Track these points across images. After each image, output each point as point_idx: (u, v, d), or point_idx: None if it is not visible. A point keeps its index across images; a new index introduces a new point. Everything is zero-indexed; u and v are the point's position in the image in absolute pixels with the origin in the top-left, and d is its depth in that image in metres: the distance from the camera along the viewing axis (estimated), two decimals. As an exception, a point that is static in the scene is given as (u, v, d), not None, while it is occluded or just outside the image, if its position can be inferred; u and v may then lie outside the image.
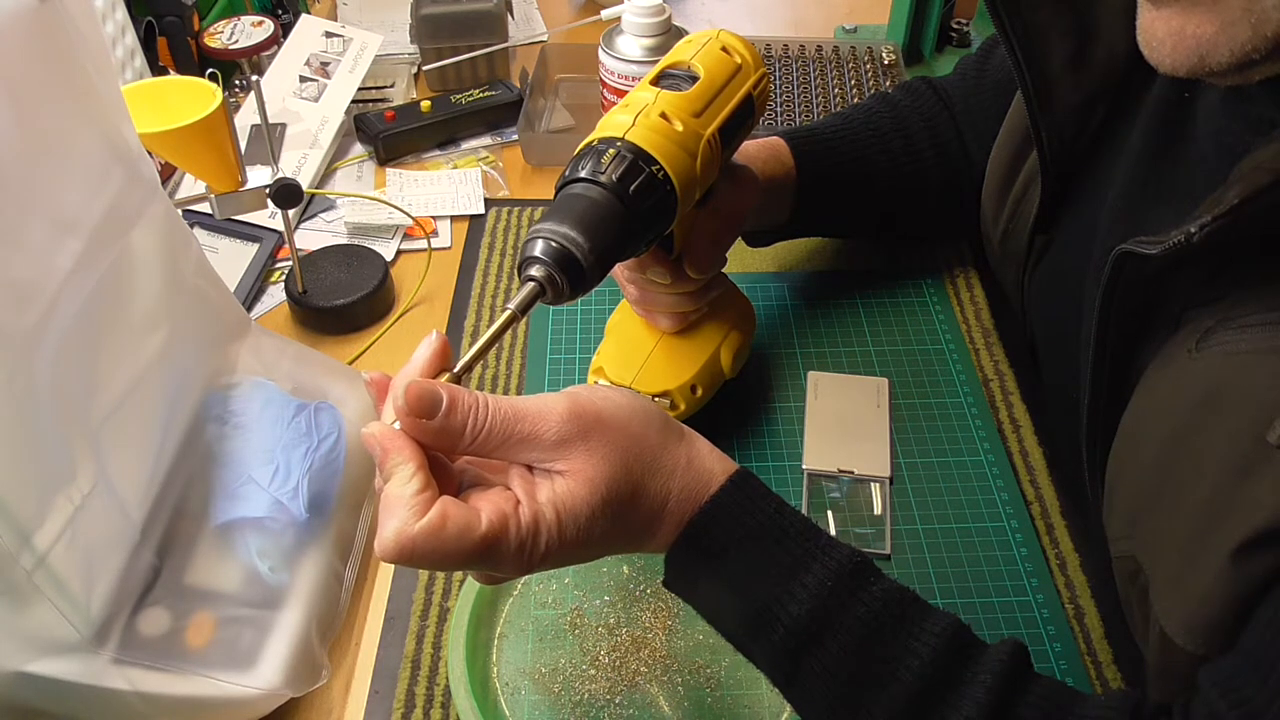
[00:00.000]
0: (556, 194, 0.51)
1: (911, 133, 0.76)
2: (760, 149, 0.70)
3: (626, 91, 0.57)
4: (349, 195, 0.91)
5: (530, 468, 0.42)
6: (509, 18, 1.06)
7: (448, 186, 0.92)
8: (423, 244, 0.86)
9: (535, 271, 0.47)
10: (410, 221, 0.87)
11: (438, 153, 0.98)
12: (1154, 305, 0.47)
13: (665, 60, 0.58)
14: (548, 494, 0.41)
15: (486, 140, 0.99)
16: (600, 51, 0.85)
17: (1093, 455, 0.52)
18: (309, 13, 1.10)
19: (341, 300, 0.77)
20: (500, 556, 0.40)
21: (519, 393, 0.72)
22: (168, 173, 0.91)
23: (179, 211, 0.61)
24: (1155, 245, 0.42)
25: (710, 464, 0.46)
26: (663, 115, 0.53)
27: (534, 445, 0.41)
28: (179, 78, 0.71)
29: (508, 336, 0.76)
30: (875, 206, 0.78)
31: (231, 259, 0.83)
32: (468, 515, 0.39)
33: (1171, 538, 0.43)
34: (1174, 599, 0.43)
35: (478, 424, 0.41)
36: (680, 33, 0.83)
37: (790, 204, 0.73)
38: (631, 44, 0.83)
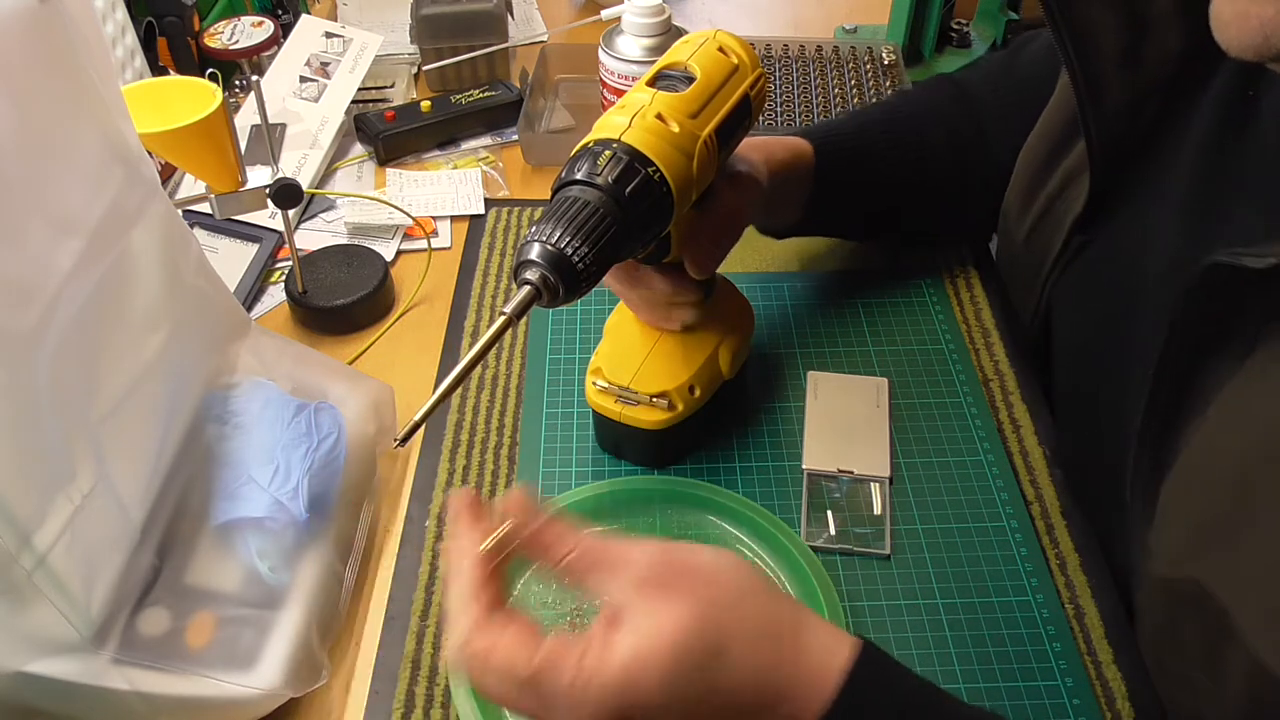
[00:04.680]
0: (552, 196, 0.51)
1: (929, 133, 0.76)
2: (783, 149, 0.70)
3: (627, 91, 0.57)
4: (349, 195, 0.91)
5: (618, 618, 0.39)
6: (509, 18, 1.06)
7: (448, 186, 0.92)
8: (423, 244, 0.86)
9: (530, 275, 0.47)
10: (410, 221, 0.88)
11: (438, 153, 0.98)
12: (1234, 318, 0.45)
13: (662, 61, 0.58)
14: (621, 650, 0.37)
15: (486, 140, 0.99)
16: (600, 51, 0.85)
17: (1140, 468, 0.51)
18: (309, 13, 1.10)
19: (341, 300, 0.77)
20: (550, 699, 0.37)
21: (518, 392, 0.72)
22: (168, 173, 0.91)
23: (179, 211, 0.61)
24: (1261, 259, 0.41)
25: (825, 640, 0.40)
26: (659, 116, 0.53)
27: (617, 574, 0.39)
28: (179, 78, 0.71)
29: (507, 337, 0.76)
30: (889, 208, 0.78)
31: (231, 259, 0.83)
32: (516, 650, 0.37)
33: (1271, 567, 0.42)
34: (1278, 631, 0.41)
35: (575, 544, 0.40)
36: (680, 33, 0.83)
37: (803, 205, 0.73)
38: (631, 44, 0.83)
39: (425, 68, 1.04)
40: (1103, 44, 0.56)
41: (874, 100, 0.99)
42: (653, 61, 0.60)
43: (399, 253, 0.86)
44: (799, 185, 0.71)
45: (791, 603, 0.41)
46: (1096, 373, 0.63)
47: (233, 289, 0.78)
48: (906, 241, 0.84)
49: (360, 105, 1.02)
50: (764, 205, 0.65)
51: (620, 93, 0.84)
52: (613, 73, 0.84)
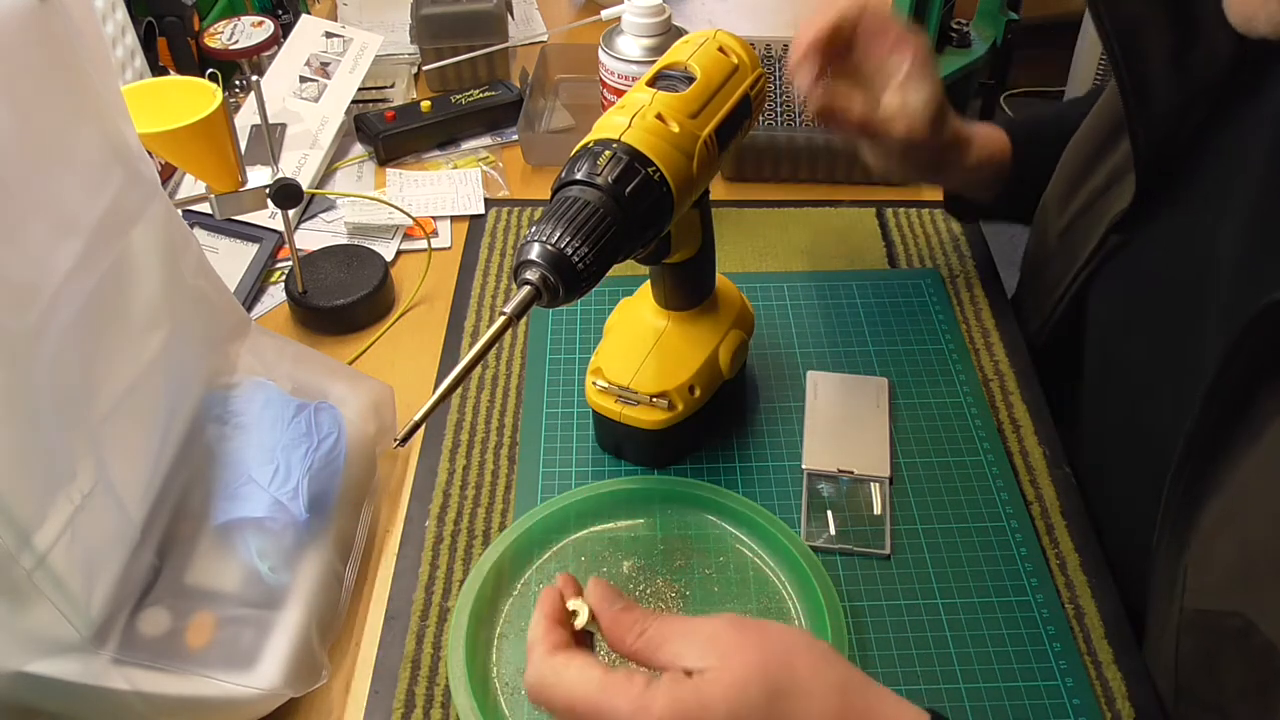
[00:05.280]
0: (552, 196, 0.51)
1: None
2: (987, 137, 0.73)
3: (626, 91, 0.57)
4: (349, 195, 0.91)
5: (688, 673, 0.40)
6: (509, 18, 1.06)
7: (448, 186, 0.92)
8: (423, 244, 0.86)
9: (530, 275, 0.47)
10: (410, 221, 0.88)
11: (438, 153, 0.98)
12: None
13: (662, 61, 0.58)
14: (681, 690, 0.39)
15: (486, 140, 0.99)
16: (600, 52, 0.85)
17: (1177, 490, 0.51)
18: (309, 13, 1.10)
19: (341, 300, 0.77)
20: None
21: (518, 392, 0.72)
22: (168, 173, 0.91)
23: (179, 211, 0.61)
24: None
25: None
26: (659, 116, 0.53)
27: (690, 639, 0.40)
28: (179, 78, 0.71)
29: (507, 337, 0.76)
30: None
31: (231, 259, 0.83)
32: (578, 680, 0.40)
33: None
34: None
35: (646, 627, 0.42)
36: (680, 33, 0.83)
37: (996, 190, 0.75)
38: (631, 44, 0.83)
39: (425, 68, 1.04)
40: (1150, 43, 0.56)
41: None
42: (653, 61, 0.60)
43: (399, 253, 0.86)
44: (994, 172, 0.74)
45: (861, 672, 0.42)
46: (1131, 378, 0.62)
47: (233, 289, 0.78)
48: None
49: (360, 105, 1.02)
50: (961, 179, 0.72)
51: (620, 93, 0.84)
52: (613, 73, 0.84)
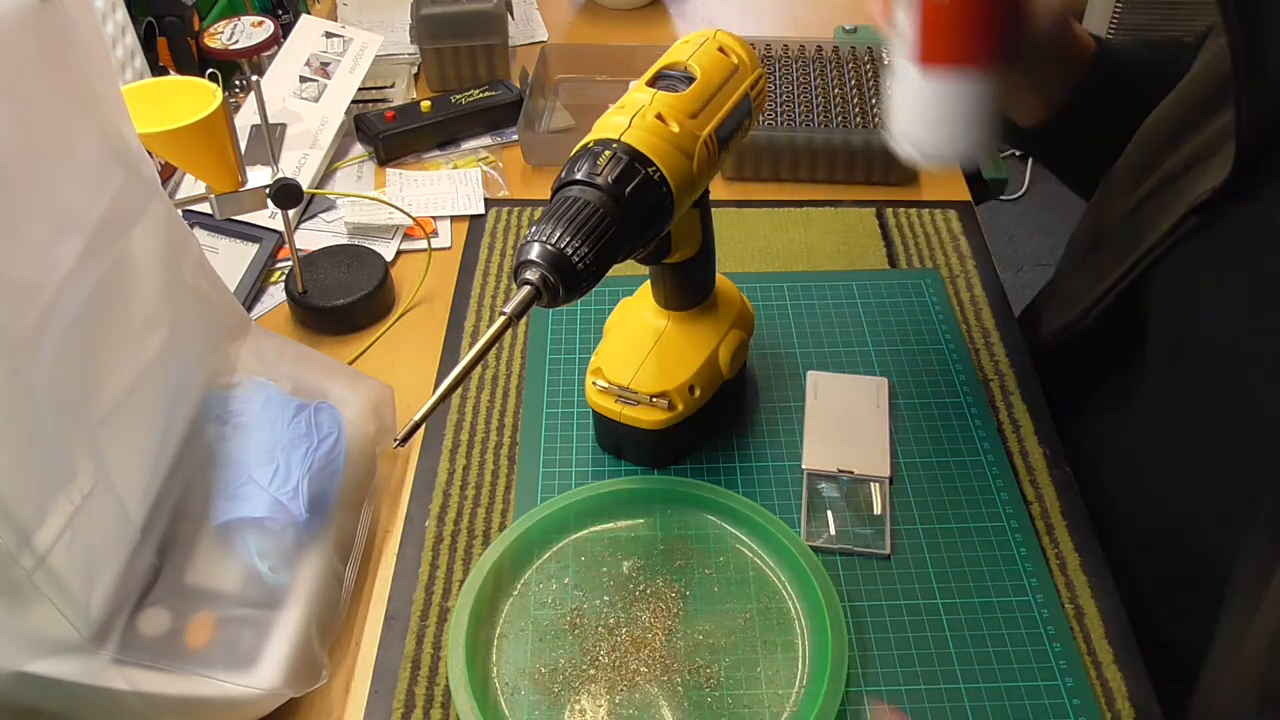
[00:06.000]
0: (552, 196, 0.51)
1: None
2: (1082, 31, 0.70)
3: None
4: (349, 195, 0.91)
5: None
6: (509, 18, 1.06)
7: (448, 186, 0.92)
8: (423, 244, 0.86)
9: (530, 275, 0.47)
10: (410, 221, 0.88)
11: (438, 153, 0.98)
12: None
13: (662, 61, 0.58)
14: None
15: (486, 140, 0.99)
16: None
17: (1268, 484, 0.48)
18: (309, 13, 1.10)
19: (341, 300, 0.77)
20: None
21: (518, 392, 0.72)
22: (168, 173, 0.91)
23: (179, 211, 0.61)
24: None
25: None
26: (659, 116, 0.53)
27: None
28: (179, 78, 0.71)
29: (507, 337, 0.76)
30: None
31: (231, 259, 0.83)
32: None
33: None
34: None
35: None
36: None
37: (1061, 100, 0.71)
38: None
39: (426, 67, 1.04)
40: (1270, 11, 0.52)
41: (874, 101, 0.99)
42: None
43: (399, 253, 0.86)
44: (1066, 70, 0.70)
45: None
46: (1206, 370, 0.59)
47: (233, 289, 0.78)
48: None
49: (360, 105, 1.02)
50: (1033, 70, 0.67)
51: None
52: None
